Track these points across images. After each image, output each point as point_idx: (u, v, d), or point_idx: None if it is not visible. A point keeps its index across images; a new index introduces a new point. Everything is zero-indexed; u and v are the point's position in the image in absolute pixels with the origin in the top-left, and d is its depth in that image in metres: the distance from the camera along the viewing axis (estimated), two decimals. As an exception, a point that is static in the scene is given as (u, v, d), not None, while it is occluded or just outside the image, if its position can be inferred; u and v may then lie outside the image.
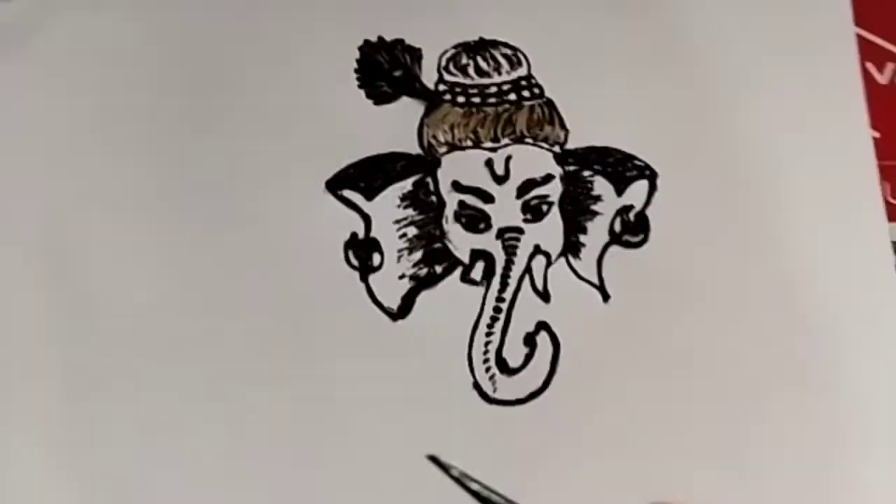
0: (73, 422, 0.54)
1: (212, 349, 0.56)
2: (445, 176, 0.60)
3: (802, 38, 0.65)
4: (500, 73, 0.62)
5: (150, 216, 0.60)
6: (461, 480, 0.50)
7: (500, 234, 0.58)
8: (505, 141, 0.60)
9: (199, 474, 0.54)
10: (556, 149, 0.60)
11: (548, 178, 0.60)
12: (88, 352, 0.56)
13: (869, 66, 0.66)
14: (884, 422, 0.57)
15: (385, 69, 0.62)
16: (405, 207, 0.59)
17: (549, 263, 0.59)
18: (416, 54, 0.62)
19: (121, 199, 0.60)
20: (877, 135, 0.64)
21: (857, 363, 0.58)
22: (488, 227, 0.59)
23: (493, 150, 0.60)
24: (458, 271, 0.58)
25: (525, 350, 0.57)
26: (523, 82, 0.62)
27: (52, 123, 0.61)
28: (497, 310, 0.57)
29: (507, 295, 0.58)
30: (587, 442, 0.56)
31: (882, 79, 0.66)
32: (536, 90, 0.62)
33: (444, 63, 0.62)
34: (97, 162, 0.61)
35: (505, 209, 0.59)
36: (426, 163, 0.60)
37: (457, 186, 0.59)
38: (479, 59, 0.62)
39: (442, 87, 0.62)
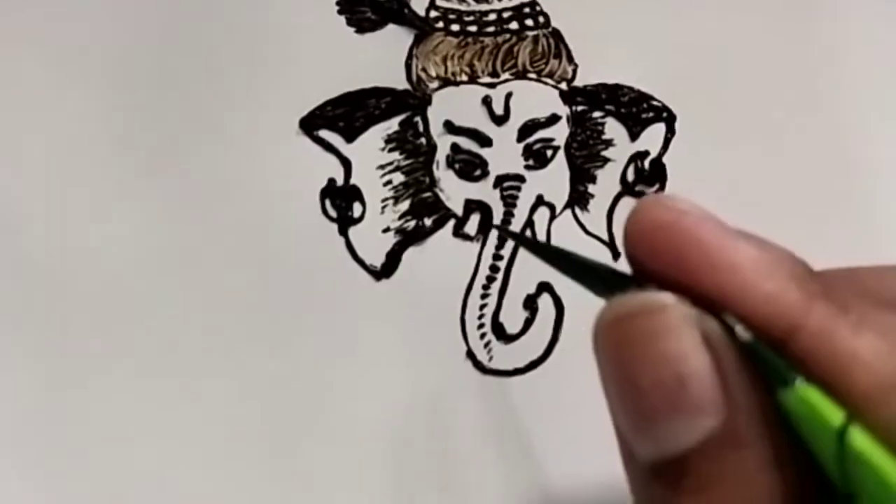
0: (36, 400, 0.52)
1: (177, 311, 0.53)
2: (436, 115, 0.56)
3: None
4: None
5: (107, 166, 0.55)
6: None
7: (499, 182, 0.55)
8: (505, 76, 0.56)
9: (177, 442, 0.52)
10: (563, 86, 0.57)
11: (553, 119, 0.56)
12: (45, 319, 0.53)
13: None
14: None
15: None
16: (390, 151, 0.55)
17: (553, 216, 0.55)
18: None
19: (74, 147, 0.55)
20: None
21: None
22: (485, 174, 0.55)
23: (492, 86, 0.56)
24: (450, 224, 0.55)
25: (525, 314, 0.54)
26: (526, 9, 0.57)
27: (8, 74, 0.56)
28: (494, 269, 0.54)
29: (506, 252, 0.55)
30: (592, 415, 0.49)
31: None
32: (541, 18, 0.57)
33: None
34: (50, 110, 0.56)
35: (504, 154, 0.55)
36: (415, 100, 0.56)
37: (449, 127, 0.55)
38: None
39: (434, 14, 0.57)
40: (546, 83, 0.56)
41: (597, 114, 0.57)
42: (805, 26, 0.59)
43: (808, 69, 0.59)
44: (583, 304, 0.50)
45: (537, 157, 0.56)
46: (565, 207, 0.56)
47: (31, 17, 0.57)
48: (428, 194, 0.55)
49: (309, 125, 0.55)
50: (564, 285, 0.54)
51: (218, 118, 0.56)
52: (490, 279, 0.54)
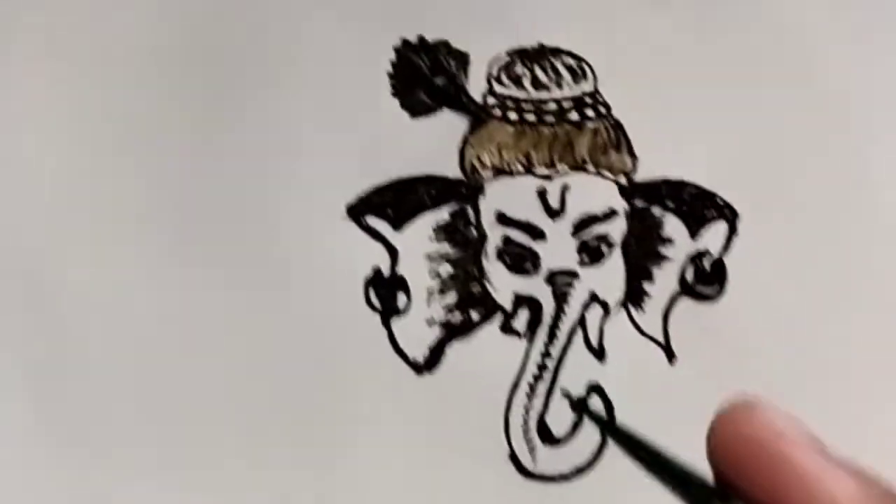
0: (51, 466, 0.52)
1: (211, 394, 0.53)
2: (489, 206, 0.55)
3: None
4: (560, 87, 0.56)
5: (148, 235, 0.54)
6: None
7: (551, 277, 0.54)
8: (562, 167, 0.55)
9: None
10: (622, 180, 0.55)
11: (610, 214, 0.54)
12: (73, 388, 0.52)
13: None
14: None
15: (425, 75, 0.56)
16: (439, 241, 0.54)
17: (606, 315, 0.54)
18: (462, 59, 0.56)
19: (116, 214, 0.54)
20: None
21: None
22: (536, 268, 0.54)
23: (548, 177, 0.55)
24: (497, 319, 0.54)
25: (573, 417, 0.53)
26: (588, 99, 0.56)
27: (41, 126, 0.55)
28: (542, 367, 0.53)
29: (555, 351, 0.53)
30: None
31: None
32: (602, 109, 0.56)
33: (495, 72, 0.56)
34: (92, 173, 0.55)
35: (558, 248, 0.54)
36: (467, 189, 0.55)
37: (502, 219, 0.54)
38: (537, 68, 0.56)
39: (491, 101, 0.56)
40: (605, 176, 0.55)
41: (656, 210, 0.55)
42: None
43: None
44: (634, 408, 0.52)
45: (592, 253, 0.54)
46: (619, 306, 0.54)
47: (55, 60, 0.56)
48: (476, 287, 0.54)
49: (356, 211, 0.54)
50: (615, 387, 0.53)
51: (264, 199, 0.55)
52: (537, 378, 0.53)
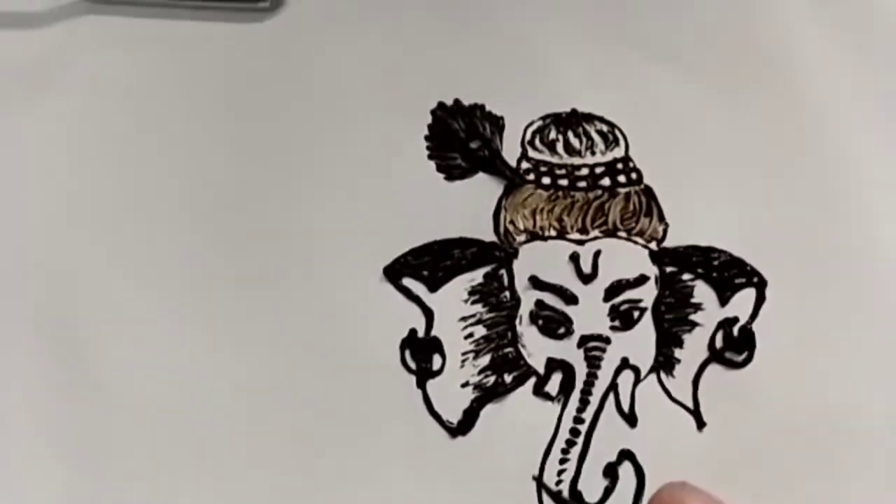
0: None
1: (242, 455, 0.52)
2: (522, 269, 0.54)
3: None
4: (593, 153, 0.57)
5: (178, 293, 0.54)
6: None
7: (583, 342, 0.53)
8: (594, 233, 0.55)
9: None
10: (653, 245, 0.55)
11: (641, 280, 0.54)
12: (98, 451, 0.51)
13: None
14: None
15: (461, 139, 0.57)
16: (473, 303, 0.54)
17: (637, 380, 0.53)
18: (497, 123, 0.57)
19: (145, 271, 0.54)
20: None
21: None
22: (569, 332, 0.54)
23: (581, 242, 0.55)
24: (530, 382, 0.53)
25: (605, 482, 0.52)
26: (619, 165, 0.56)
27: (72, 179, 0.56)
28: (574, 432, 0.52)
29: (588, 415, 0.53)
30: None
31: None
32: (634, 175, 0.56)
33: (529, 136, 0.57)
34: (120, 228, 0.55)
35: (590, 313, 0.54)
36: (501, 252, 0.55)
37: (535, 283, 0.54)
38: (570, 134, 0.57)
39: (525, 165, 0.56)
40: (636, 242, 0.55)
41: (686, 276, 0.55)
42: None
43: None
44: (665, 475, 0.49)
45: (624, 318, 0.54)
46: (650, 371, 0.54)
47: (94, 111, 0.57)
48: (510, 349, 0.54)
49: (393, 273, 0.54)
50: (647, 454, 0.52)
51: (303, 259, 0.55)
52: (570, 443, 0.52)
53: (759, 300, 0.55)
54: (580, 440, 0.52)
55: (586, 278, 0.54)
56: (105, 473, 0.51)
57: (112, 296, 0.54)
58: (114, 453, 0.51)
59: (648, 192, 0.56)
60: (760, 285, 0.55)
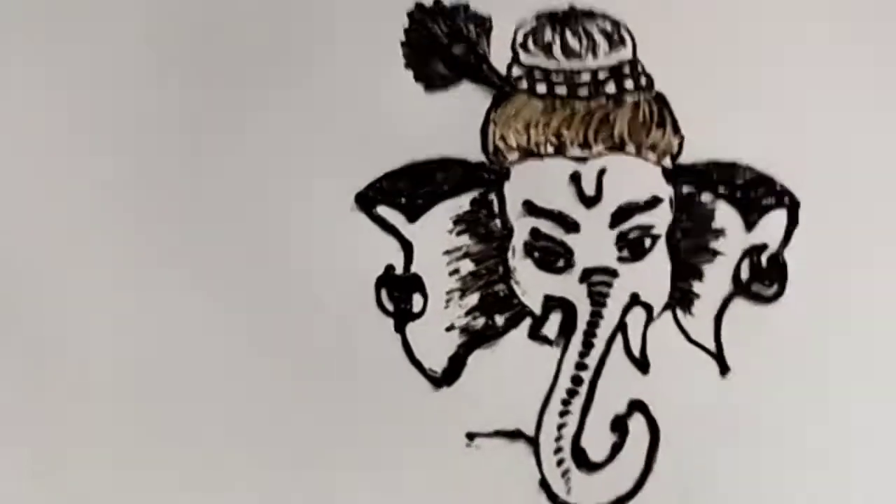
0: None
1: (212, 405, 0.51)
2: (515, 193, 0.52)
3: None
4: (595, 56, 0.53)
5: (146, 233, 0.52)
6: None
7: (586, 276, 0.52)
8: (598, 148, 0.52)
9: None
10: (667, 162, 0.52)
11: (653, 203, 0.52)
12: (64, 412, 0.51)
13: None
14: None
15: (442, 43, 0.53)
16: (459, 234, 0.52)
17: (649, 319, 0.52)
18: (483, 25, 0.53)
19: (113, 212, 0.52)
20: None
21: None
22: (570, 265, 0.52)
23: (582, 160, 0.52)
24: (525, 324, 0.52)
25: (612, 438, 0.51)
26: (626, 69, 0.53)
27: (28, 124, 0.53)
28: (576, 380, 0.51)
29: (592, 361, 0.52)
30: None
31: None
32: (643, 80, 0.53)
33: (521, 38, 0.53)
34: (81, 164, 0.53)
35: (594, 242, 0.52)
36: (490, 174, 0.52)
37: (530, 208, 0.52)
38: (568, 34, 0.54)
39: (517, 72, 0.53)
40: (647, 159, 0.52)
41: (706, 197, 0.52)
42: None
43: None
44: (683, 429, 0.50)
45: (633, 248, 0.51)
46: (665, 309, 0.52)
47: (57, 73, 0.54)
48: (501, 287, 0.51)
49: (366, 201, 0.52)
50: (661, 405, 0.50)
51: (263, 192, 0.52)
52: (572, 393, 0.50)
53: (791, 224, 0.52)
54: (583, 389, 0.51)
55: (589, 201, 0.51)
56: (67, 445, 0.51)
57: (71, 236, 0.52)
58: (71, 423, 0.51)
59: (661, 100, 0.53)
60: (792, 207, 0.52)
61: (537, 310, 0.51)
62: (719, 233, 0.52)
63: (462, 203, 0.52)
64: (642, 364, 0.51)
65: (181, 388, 0.51)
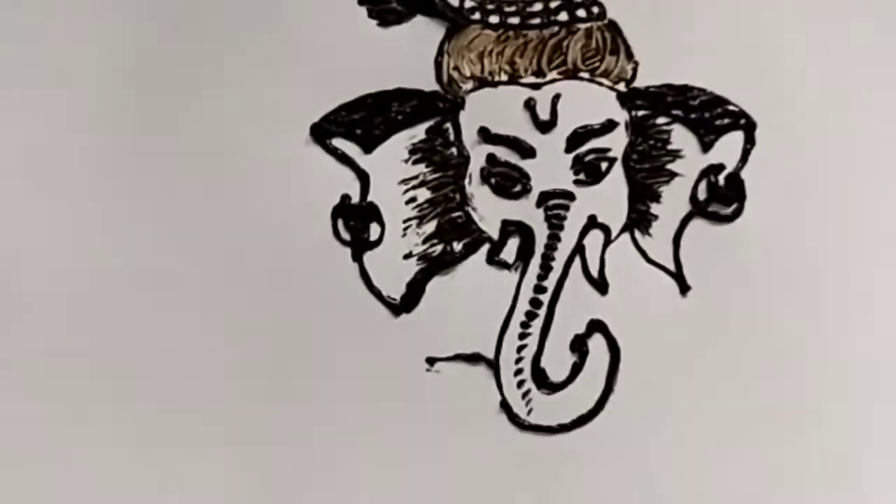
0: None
1: (166, 340, 0.51)
2: (470, 121, 0.52)
3: None
4: None
5: (105, 172, 0.52)
6: None
7: (543, 199, 0.51)
8: (552, 75, 0.52)
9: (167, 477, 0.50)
10: (621, 86, 0.52)
11: (609, 126, 0.51)
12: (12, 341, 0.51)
13: None
14: None
15: None
16: (415, 163, 0.52)
17: (608, 241, 0.52)
18: None
19: (72, 155, 0.52)
20: None
21: None
22: (526, 190, 0.51)
23: (536, 86, 0.52)
24: (483, 250, 0.52)
25: (572, 358, 0.51)
26: None
27: None
28: (535, 303, 0.51)
29: (550, 283, 0.51)
30: (649, 483, 0.50)
31: None
32: (595, 8, 0.53)
33: None
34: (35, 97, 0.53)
35: (550, 167, 0.51)
36: (445, 103, 0.52)
37: (486, 135, 0.51)
38: None
39: (469, 4, 0.53)
40: (601, 84, 0.52)
41: (661, 119, 0.52)
42: None
43: None
44: (642, 348, 0.50)
45: (590, 171, 0.51)
46: (623, 230, 0.51)
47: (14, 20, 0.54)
48: (458, 214, 0.51)
49: (321, 132, 0.51)
50: (620, 324, 0.50)
51: (214, 121, 0.52)
52: (531, 315, 0.50)
53: (748, 144, 0.52)
54: (542, 311, 0.51)
55: (544, 126, 0.51)
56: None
57: (31, 187, 0.52)
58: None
59: (613, 27, 0.53)
60: (749, 127, 0.52)
61: (495, 235, 0.51)
62: (676, 154, 0.52)
63: (417, 133, 0.52)
64: (601, 285, 0.51)
65: (141, 311, 0.50)
